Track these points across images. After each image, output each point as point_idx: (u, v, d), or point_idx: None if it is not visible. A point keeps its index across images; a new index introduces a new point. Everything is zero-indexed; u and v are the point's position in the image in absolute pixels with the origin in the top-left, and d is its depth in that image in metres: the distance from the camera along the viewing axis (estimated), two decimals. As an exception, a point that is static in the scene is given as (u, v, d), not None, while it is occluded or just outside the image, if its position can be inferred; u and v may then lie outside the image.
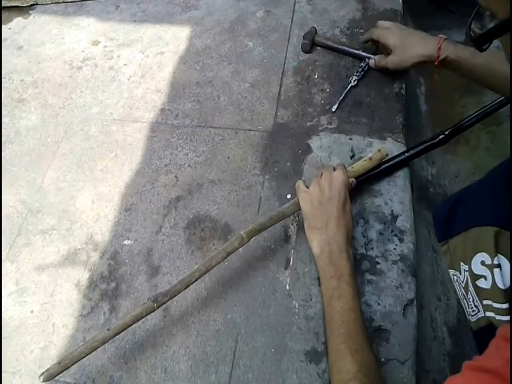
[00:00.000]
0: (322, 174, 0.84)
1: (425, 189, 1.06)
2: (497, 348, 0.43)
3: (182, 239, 0.94)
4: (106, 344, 0.84)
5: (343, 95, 1.05)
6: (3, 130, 1.20)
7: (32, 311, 0.92)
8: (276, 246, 0.89)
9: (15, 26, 1.44)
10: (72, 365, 0.73)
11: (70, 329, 0.88)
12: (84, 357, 0.73)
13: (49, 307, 0.91)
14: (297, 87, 1.11)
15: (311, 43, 1.14)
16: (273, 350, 0.79)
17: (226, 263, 0.87)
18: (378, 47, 1.07)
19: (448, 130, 0.88)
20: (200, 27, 1.30)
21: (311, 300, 0.82)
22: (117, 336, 0.83)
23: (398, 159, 0.90)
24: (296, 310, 0.82)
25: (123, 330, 0.75)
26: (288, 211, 0.84)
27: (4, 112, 1.23)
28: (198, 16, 1.33)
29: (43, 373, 0.71)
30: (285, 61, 1.17)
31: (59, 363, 0.71)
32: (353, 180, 0.84)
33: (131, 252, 0.95)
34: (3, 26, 1.45)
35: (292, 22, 1.24)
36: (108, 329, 0.73)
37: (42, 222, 1.03)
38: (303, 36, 1.15)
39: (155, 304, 0.74)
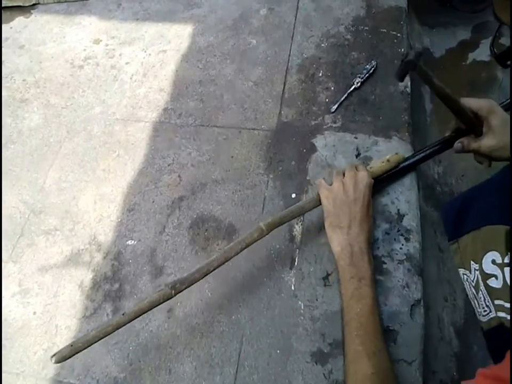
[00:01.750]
0: (344, 172, 0.84)
1: (431, 188, 1.05)
2: (507, 358, 0.43)
3: (186, 239, 0.94)
4: (110, 346, 0.84)
5: (344, 96, 1.04)
6: (5, 131, 1.19)
7: (35, 312, 0.91)
8: (280, 246, 0.89)
9: (16, 25, 1.44)
10: (84, 348, 0.69)
11: (73, 330, 0.88)
12: (97, 341, 0.70)
13: (52, 308, 0.91)
14: (301, 85, 1.10)
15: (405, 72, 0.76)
16: (278, 351, 0.79)
17: (230, 263, 0.86)
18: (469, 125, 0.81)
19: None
20: (203, 25, 1.29)
21: (316, 300, 0.81)
22: (121, 338, 0.83)
23: (413, 160, 0.89)
24: (302, 311, 0.81)
25: (138, 316, 0.72)
26: (307, 206, 0.83)
27: (6, 112, 1.23)
28: (201, 14, 1.32)
29: (55, 354, 0.68)
30: (288, 59, 1.15)
31: (71, 345, 0.69)
32: (372, 180, 0.84)
33: (134, 252, 0.94)
34: (5, 25, 1.44)
35: (295, 20, 1.23)
36: (123, 314, 0.71)
37: (45, 222, 1.02)
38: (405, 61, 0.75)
39: (172, 291, 0.72)
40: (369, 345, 0.65)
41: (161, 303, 0.72)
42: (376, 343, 0.66)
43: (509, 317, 0.59)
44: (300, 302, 0.82)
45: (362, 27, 1.16)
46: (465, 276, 0.68)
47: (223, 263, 0.76)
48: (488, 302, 0.63)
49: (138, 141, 1.10)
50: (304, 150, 0.99)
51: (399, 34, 1.12)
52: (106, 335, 0.70)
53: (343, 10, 1.21)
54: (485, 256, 0.63)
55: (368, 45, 1.12)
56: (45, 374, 0.84)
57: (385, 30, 1.14)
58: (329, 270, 0.83)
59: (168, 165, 1.05)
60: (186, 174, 1.02)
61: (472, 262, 0.66)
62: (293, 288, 0.84)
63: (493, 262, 0.62)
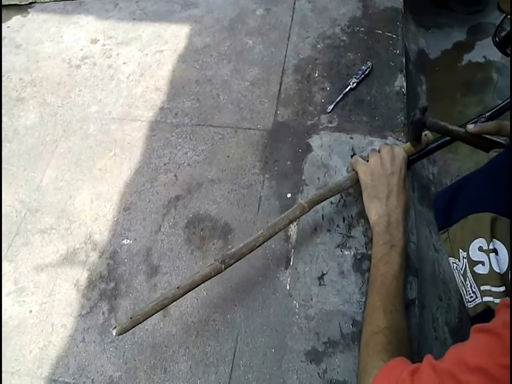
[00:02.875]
0: (380, 149, 0.87)
1: (426, 188, 1.05)
2: (498, 314, 0.45)
3: (182, 239, 0.94)
4: (105, 344, 0.85)
5: (340, 96, 1.04)
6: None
7: (31, 311, 0.91)
8: (276, 246, 0.89)
9: (13, 24, 1.44)
10: (143, 320, 0.72)
11: (69, 329, 0.88)
12: (154, 313, 0.73)
13: (48, 307, 0.91)
14: (298, 86, 1.10)
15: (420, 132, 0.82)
16: (273, 350, 0.79)
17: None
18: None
19: (488, 113, 0.85)
20: (200, 25, 1.29)
21: (311, 299, 0.81)
22: (116, 336, 0.83)
23: (442, 141, 0.89)
24: (297, 310, 0.81)
25: (192, 289, 0.75)
26: (345, 184, 0.86)
27: (2, 111, 1.23)
28: (198, 14, 1.32)
29: (115, 326, 0.70)
30: (285, 59, 1.16)
31: (130, 318, 0.71)
32: (406, 156, 0.87)
33: (130, 252, 0.94)
34: (2, 24, 1.44)
35: (292, 20, 1.23)
36: (177, 287, 0.74)
37: (41, 221, 1.02)
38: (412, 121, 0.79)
39: (223, 266, 0.75)
40: (387, 303, 0.68)
41: (213, 276, 0.75)
42: (395, 303, 0.69)
43: (496, 300, 0.61)
44: (294, 302, 0.82)
45: (358, 28, 1.16)
46: (454, 265, 0.70)
47: (269, 239, 0.80)
48: (474, 288, 0.65)
49: (134, 140, 1.10)
50: (300, 150, 1.00)
51: (394, 36, 1.13)
52: (163, 308, 0.74)
53: (339, 11, 1.21)
54: (472, 244, 0.65)
55: (364, 46, 1.13)
56: (40, 373, 0.84)
57: (381, 31, 1.14)
58: (324, 269, 0.84)
59: (164, 164, 1.05)
60: (182, 173, 1.03)
61: (460, 250, 0.68)
62: (288, 287, 0.84)
63: (480, 248, 0.64)
